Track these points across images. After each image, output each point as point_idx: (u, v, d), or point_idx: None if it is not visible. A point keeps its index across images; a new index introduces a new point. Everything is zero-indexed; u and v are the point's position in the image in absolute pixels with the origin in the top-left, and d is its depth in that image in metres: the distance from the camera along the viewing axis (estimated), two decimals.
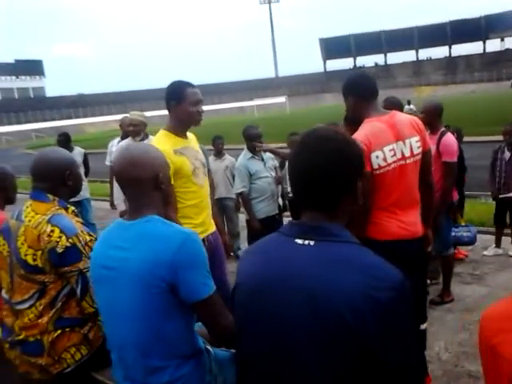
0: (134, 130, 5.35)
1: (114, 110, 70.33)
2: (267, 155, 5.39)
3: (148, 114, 6.72)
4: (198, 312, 1.74)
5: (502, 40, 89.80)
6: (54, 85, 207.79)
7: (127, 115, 6.14)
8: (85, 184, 7.41)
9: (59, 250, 2.07)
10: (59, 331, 2.14)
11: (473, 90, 61.57)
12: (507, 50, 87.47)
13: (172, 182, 2.73)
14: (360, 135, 2.66)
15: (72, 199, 2.44)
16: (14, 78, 79.21)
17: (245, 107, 69.82)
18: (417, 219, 2.87)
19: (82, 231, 2.16)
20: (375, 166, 2.66)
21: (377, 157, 2.65)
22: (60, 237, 2.07)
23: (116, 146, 6.38)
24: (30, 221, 2.14)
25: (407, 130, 2.78)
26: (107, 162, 6.66)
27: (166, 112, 3.07)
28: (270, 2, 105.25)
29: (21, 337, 2.16)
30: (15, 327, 2.18)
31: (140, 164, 1.75)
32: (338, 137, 1.35)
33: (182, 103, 3.01)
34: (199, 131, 3.17)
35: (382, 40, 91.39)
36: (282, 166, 5.66)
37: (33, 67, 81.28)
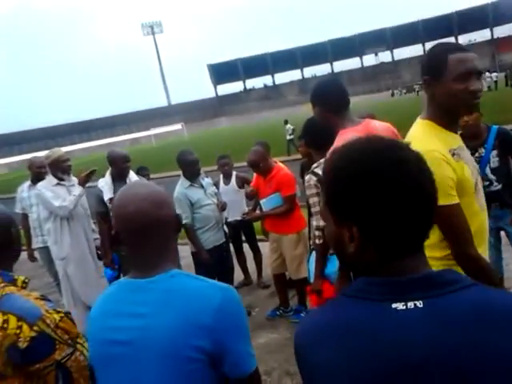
0: (69, 165, 4.74)
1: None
2: (206, 181, 5.01)
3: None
4: None
5: (376, 55, 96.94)
6: None
7: (36, 155, 5.56)
8: None
9: (22, 344, 1.47)
10: None
11: (356, 102, 65.16)
12: (382, 63, 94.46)
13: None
14: None
15: None
16: None
17: (140, 138, 68.24)
18: None
19: (46, 310, 1.56)
20: None
21: None
22: (20, 327, 1.49)
23: (27, 191, 5.70)
24: None
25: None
26: (17, 210, 5.96)
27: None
28: (153, 34, 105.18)
29: None
30: None
31: (164, 202, 1.38)
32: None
33: (441, 78, 1.92)
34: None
35: (268, 62, 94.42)
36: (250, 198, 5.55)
37: None
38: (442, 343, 0.82)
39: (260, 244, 6.22)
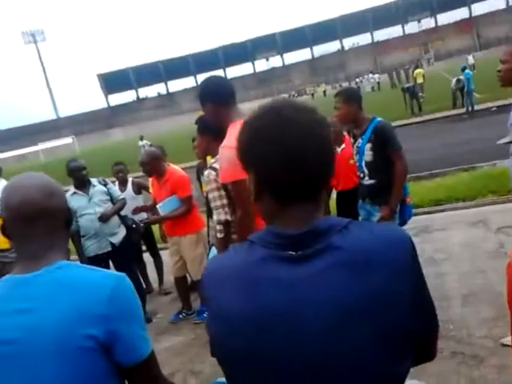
0: None
1: None
2: (96, 189, 4.83)
3: None
4: (132, 379, 1.31)
5: (267, 60, 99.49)
6: None
7: None
8: None
9: None
10: None
11: (251, 107, 66.30)
12: (273, 68, 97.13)
13: None
14: (233, 141, 2.45)
15: None
16: None
17: (26, 154, 64.00)
18: None
19: None
20: None
21: None
22: None
23: None
24: None
25: None
26: None
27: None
28: (35, 42, 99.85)
29: None
30: None
31: (55, 191, 1.35)
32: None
33: None
34: None
35: (160, 69, 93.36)
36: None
37: None
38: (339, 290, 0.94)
39: (161, 252, 6.16)
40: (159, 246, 6.26)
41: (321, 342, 0.93)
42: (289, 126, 1.00)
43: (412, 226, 5.44)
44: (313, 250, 0.96)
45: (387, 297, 0.94)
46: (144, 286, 5.86)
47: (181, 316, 4.90)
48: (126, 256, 4.99)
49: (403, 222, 3.91)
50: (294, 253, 0.97)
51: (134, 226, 5.23)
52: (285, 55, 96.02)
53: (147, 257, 6.11)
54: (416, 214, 5.71)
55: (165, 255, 6.11)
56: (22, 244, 1.33)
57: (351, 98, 3.84)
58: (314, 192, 1.04)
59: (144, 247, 6.19)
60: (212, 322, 1.05)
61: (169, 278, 6.04)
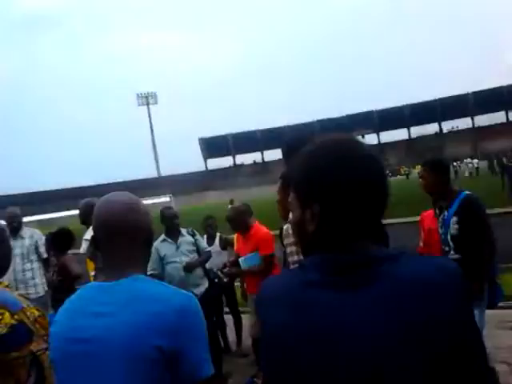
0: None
1: None
2: (185, 239, 5.14)
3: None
4: None
5: (363, 137, 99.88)
6: None
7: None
8: None
9: (1, 330, 1.60)
10: None
11: None
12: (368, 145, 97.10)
13: None
14: None
15: None
16: None
17: None
18: None
19: (27, 305, 1.75)
20: None
21: None
22: (1, 314, 1.62)
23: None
24: None
25: None
26: None
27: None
28: (148, 104, 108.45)
29: None
30: None
31: (138, 209, 1.50)
32: None
33: None
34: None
35: (258, 139, 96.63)
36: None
37: None
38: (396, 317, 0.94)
39: (242, 316, 6.25)
40: (241, 309, 6.36)
41: (360, 368, 0.94)
42: (368, 161, 1.06)
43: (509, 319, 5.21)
44: (362, 277, 0.98)
45: (435, 323, 0.94)
46: (222, 345, 5.96)
47: (255, 379, 4.90)
48: (206, 308, 5.11)
49: (493, 305, 3.61)
50: (341, 278, 0.99)
51: (216, 280, 5.44)
52: (381, 133, 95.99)
53: (228, 318, 6.22)
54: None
55: (245, 318, 6.20)
56: (106, 254, 1.49)
57: (438, 167, 3.71)
58: (375, 228, 1.07)
59: (226, 309, 6.33)
60: (261, 334, 1.10)
61: (248, 340, 6.11)
